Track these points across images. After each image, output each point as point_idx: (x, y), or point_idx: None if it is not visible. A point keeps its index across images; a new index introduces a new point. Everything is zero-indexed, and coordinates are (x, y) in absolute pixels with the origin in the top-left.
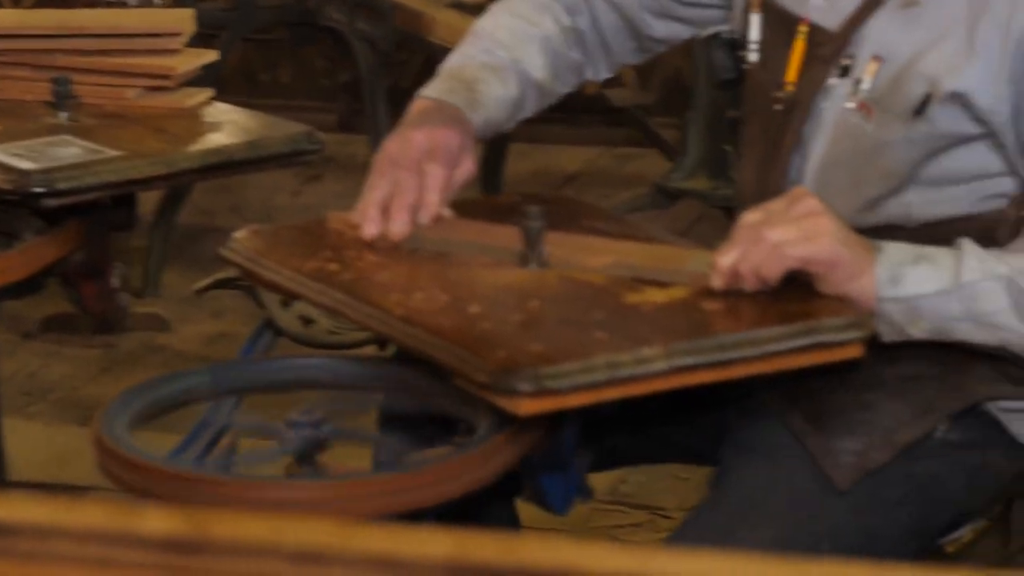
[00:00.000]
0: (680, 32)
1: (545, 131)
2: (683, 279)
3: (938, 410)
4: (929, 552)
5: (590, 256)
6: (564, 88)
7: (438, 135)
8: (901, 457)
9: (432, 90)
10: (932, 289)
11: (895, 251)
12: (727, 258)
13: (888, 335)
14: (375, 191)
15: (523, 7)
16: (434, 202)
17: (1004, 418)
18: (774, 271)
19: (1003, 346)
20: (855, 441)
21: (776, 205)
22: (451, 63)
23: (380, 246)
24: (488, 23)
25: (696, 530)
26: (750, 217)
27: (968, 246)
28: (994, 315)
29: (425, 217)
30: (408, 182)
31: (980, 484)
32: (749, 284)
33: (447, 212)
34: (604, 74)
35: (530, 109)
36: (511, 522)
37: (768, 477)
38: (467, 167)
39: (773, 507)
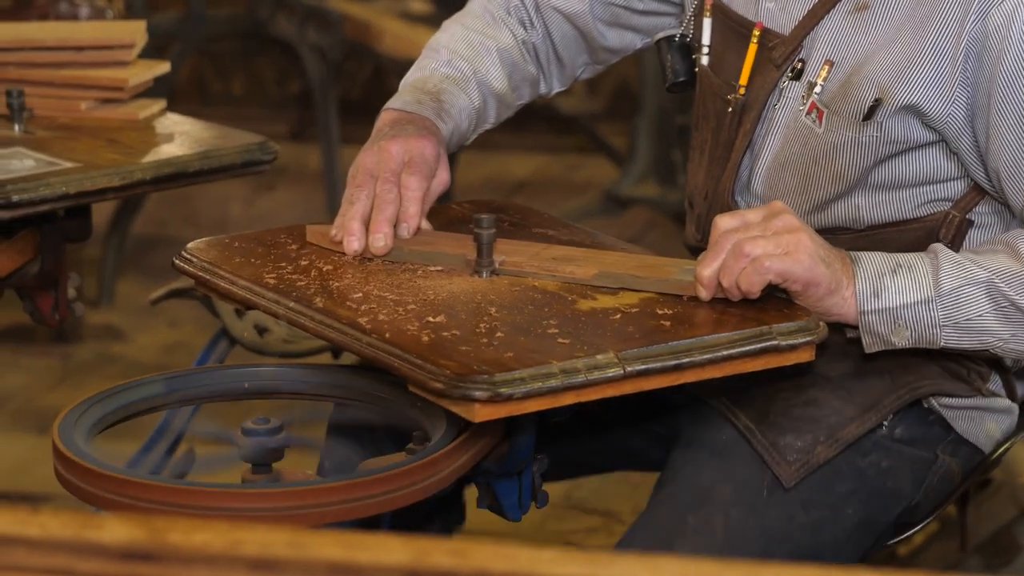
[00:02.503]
0: (632, 41)
1: (494, 139)
2: (670, 289)
3: (882, 407)
4: (878, 548)
5: (568, 265)
6: (521, 100)
7: (414, 146)
8: (848, 452)
9: (399, 102)
10: (914, 299)
11: (871, 262)
12: (708, 269)
13: (872, 346)
14: (356, 205)
15: (477, 22)
16: (415, 214)
17: (948, 415)
18: (755, 284)
19: (986, 349)
20: (800, 438)
21: (753, 216)
22: (412, 77)
23: (358, 259)
24: (444, 37)
25: (647, 527)
26: (726, 222)
27: (942, 251)
28: (976, 319)
29: (407, 230)
30: (388, 195)
31: (927, 480)
32: (732, 296)
33: (426, 224)
34: (557, 88)
35: (491, 120)
36: (456, 521)
37: (716, 474)
38: (443, 177)
39: (721, 503)
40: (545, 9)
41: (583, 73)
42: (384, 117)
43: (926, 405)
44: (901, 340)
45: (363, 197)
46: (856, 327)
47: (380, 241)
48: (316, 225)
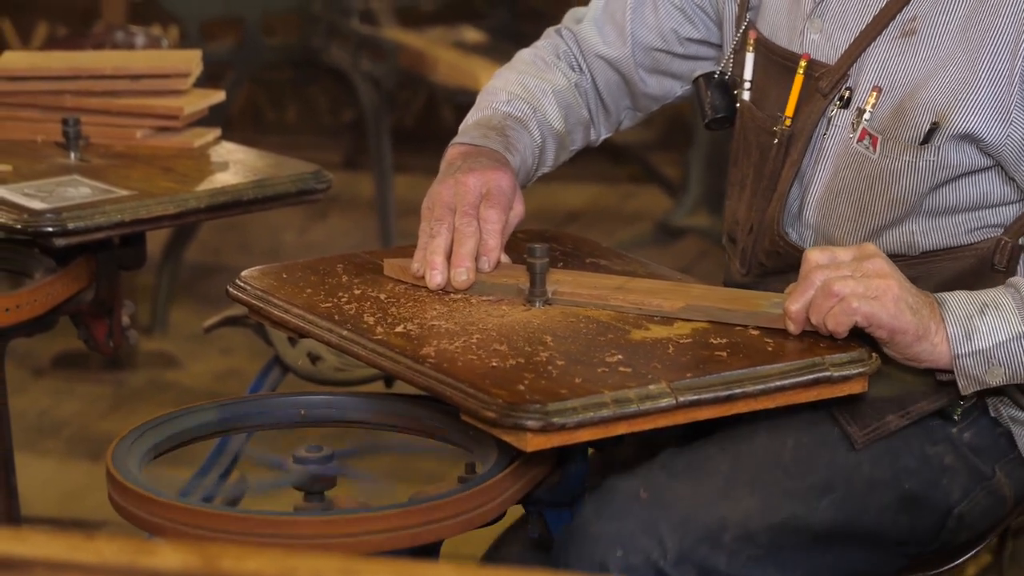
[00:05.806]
0: (672, 88)
1: None
2: (759, 322)
3: (953, 387)
4: (919, 551)
5: (654, 298)
6: (575, 146)
7: (491, 178)
8: (920, 434)
9: (466, 138)
10: (1005, 336)
11: (958, 304)
12: (797, 304)
13: (967, 388)
14: (437, 239)
15: (529, 67)
16: (495, 247)
17: (1016, 430)
18: (841, 324)
19: None
20: (871, 406)
21: (844, 254)
22: (473, 118)
23: (410, 288)
24: (499, 82)
25: (714, 442)
26: (817, 256)
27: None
28: None
29: (487, 264)
30: (468, 228)
31: (977, 493)
32: (821, 331)
33: (505, 257)
34: (604, 134)
35: (549, 162)
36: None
37: (788, 413)
38: (519, 209)
39: (794, 429)
40: (589, 56)
41: (625, 120)
42: (452, 152)
43: (993, 414)
44: (995, 379)
45: (443, 231)
46: (948, 371)
47: (463, 275)
48: (394, 259)
